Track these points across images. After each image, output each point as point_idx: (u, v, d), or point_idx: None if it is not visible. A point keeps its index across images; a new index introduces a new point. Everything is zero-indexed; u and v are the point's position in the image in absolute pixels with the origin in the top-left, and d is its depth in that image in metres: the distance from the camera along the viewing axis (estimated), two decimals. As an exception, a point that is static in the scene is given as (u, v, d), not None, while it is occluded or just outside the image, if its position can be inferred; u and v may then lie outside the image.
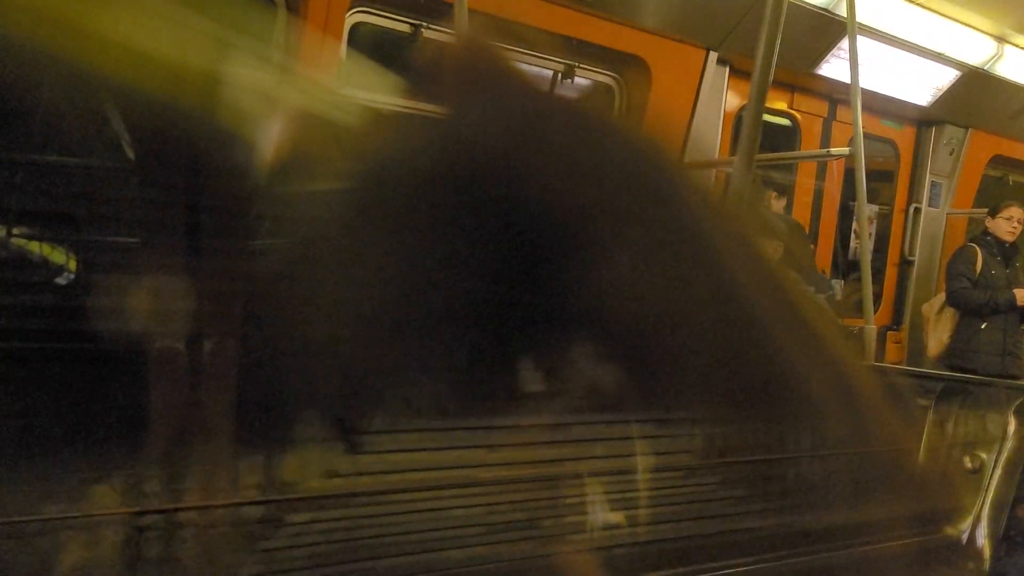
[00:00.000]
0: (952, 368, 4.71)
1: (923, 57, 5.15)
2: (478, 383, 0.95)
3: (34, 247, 0.88)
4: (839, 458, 1.19)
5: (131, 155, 0.88)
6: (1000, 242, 4.92)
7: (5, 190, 0.83)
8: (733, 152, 3.45)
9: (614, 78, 4.37)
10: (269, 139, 0.92)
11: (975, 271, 4.88)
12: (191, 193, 0.86)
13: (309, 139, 0.95)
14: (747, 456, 1.11)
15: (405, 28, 3.69)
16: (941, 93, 5.43)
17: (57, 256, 0.89)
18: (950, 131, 5.74)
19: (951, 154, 5.81)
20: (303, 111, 0.98)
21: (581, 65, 4.16)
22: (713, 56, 4.47)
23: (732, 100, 4.67)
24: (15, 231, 0.87)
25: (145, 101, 0.85)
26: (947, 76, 5.36)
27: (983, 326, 4.84)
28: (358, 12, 3.58)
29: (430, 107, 1.01)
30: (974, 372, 4.45)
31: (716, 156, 4.43)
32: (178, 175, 0.87)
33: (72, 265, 0.90)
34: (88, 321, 0.79)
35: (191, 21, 0.89)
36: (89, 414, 0.81)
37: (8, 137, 0.81)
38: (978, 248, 4.94)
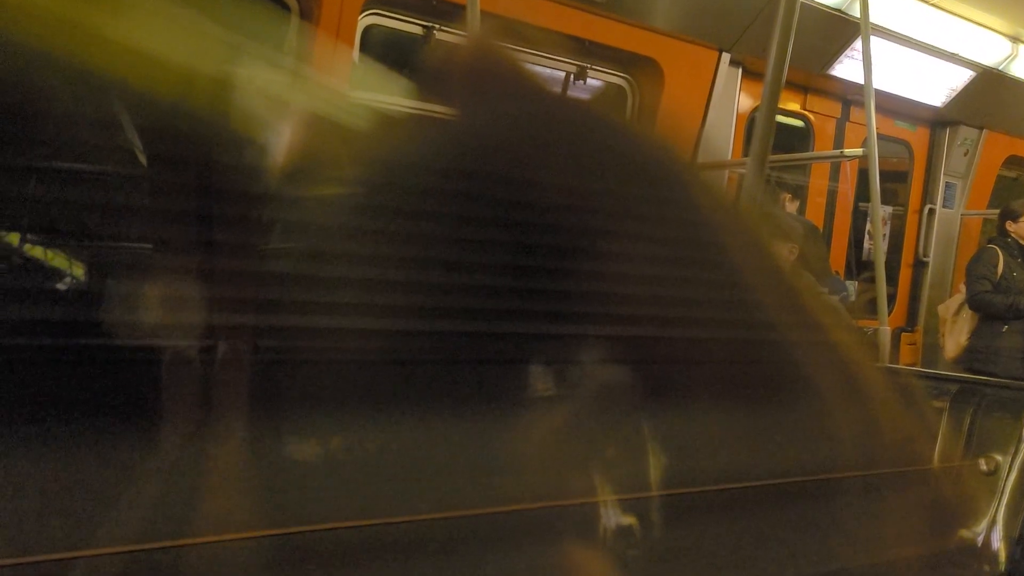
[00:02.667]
0: (971, 371, 4.68)
1: (937, 57, 5.12)
2: (492, 383, 0.95)
3: (47, 253, 0.89)
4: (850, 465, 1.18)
5: (144, 160, 0.89)
6: (1020, 244, 4.90)
7: (16, 200, 0.83)
8: (746, 153, 3.44)
9: (626, 79, 4.37)
10: (284, 143, 0.93)
11: (996, 273, 4.85)
12: (206, 198, 0.87)
13: (325, 143, 0.96)
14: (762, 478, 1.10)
15: (418, 30, 3.71)
16: (955, 94, 5.40)
17: (73, 264, 0.90)
18: (964, 132, 5.71)
19: (965, 155, 5.78)
20: (318, 115, 0.99)
21: (593, 67, 4.16)
22: (726, 57, 4.46)
23: (745, 101, 4.66)
24: (27, 237, 0.88)
25: (158, 105, 0.86)
26: (961, 76, 5.33)
27: (1004, 329, 4.82)
28: (371, 15, 3.59)
29: (443, 109, 1.02)
30: (994, 375, 4.43)
31: (729, 157, 4.43)
32: (192, 180, 0.88)
33: (82, 272, 0.90)
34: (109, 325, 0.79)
35: (203, 25, 0.90)
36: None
37: (18, 142, 0.81)
38: (999, 250, 4.92)
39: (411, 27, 3.71)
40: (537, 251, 0.98)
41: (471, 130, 1.00)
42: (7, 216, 0.84)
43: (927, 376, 2.71)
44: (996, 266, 4.86)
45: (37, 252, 0.88)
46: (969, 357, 4.90)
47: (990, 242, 5.13)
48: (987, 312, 4.85)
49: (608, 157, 1.04)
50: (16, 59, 0.78)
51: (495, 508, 0.93)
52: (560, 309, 0.99)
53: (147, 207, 0.88)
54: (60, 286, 0.89)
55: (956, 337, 4.99)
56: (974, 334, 4.91)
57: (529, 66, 1.04)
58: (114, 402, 0.79)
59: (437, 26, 3.68)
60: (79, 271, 0.90)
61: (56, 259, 0.89)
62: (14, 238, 0.87)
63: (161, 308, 0.81)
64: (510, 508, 0.95)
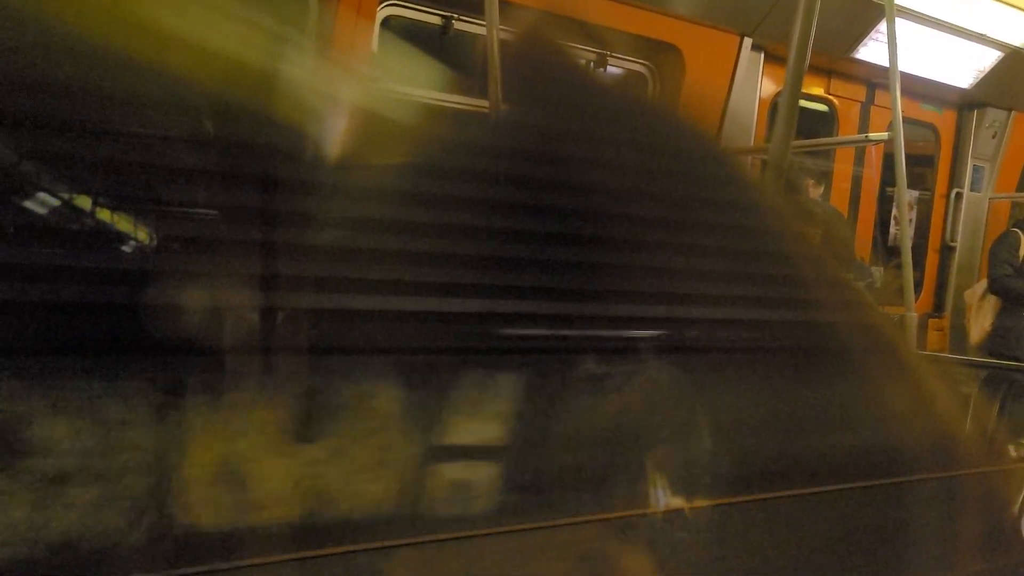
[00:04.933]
0: (994, 355, 4.66)
1: (964, 38, 5.04)
2: (539, 367, 0.95)
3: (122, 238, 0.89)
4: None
5: (171, 143, 0.89)
6: (1044, 228, 4.86)
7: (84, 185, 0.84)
8: (769, 139, 3.41)
9: (647, 66, 4.34)
10: (315, 131, 0.93)
11: (1019, 257, 4.81)
12: (235, 186, 0.87)
13: (361, 132, 0.96)
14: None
15: (436, 20, 3.70)
16: (983, 75, 5.32)
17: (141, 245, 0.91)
18: (992, 114, 5.63)
19: (993, 137, 5.69)
20: (349, 103, 0.99)
21: (613, 54, 4.13)
22: (747, 42, 4.42)
23: (767, 86, 4.62)
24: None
25: (184, 89, 0.87)
26: (989, 57, 5.25)
27: (1025, 313, 4.78)
28: (389, 5, 3.59)
29: (468, 101, 1.02)
30: (1016, 359, 4.39)
31: (752, 143, 4.39)
32: (217, 162, 0.88)
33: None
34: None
35: (228, 9, 0.90)
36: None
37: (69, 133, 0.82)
38: (1021, 233, 4.86)
39: (430, 17, 3.71)
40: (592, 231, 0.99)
41: (534, 120, 1.01)
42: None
43: (956, 362, 2.69)
44: (1019, 250, 4.82)
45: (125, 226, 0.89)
46: (992, 341, 4.86)
47: (1014, 225, 5.09)
48: (1008, 296, 4.82)
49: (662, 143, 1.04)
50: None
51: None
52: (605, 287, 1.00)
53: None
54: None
55: (980, 322, 4.96)
56: (997, 318, 4.87)
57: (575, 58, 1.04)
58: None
59: (456, 16, 3.67)
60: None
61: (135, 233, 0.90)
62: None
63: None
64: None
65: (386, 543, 0.83)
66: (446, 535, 0.86)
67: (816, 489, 1.08)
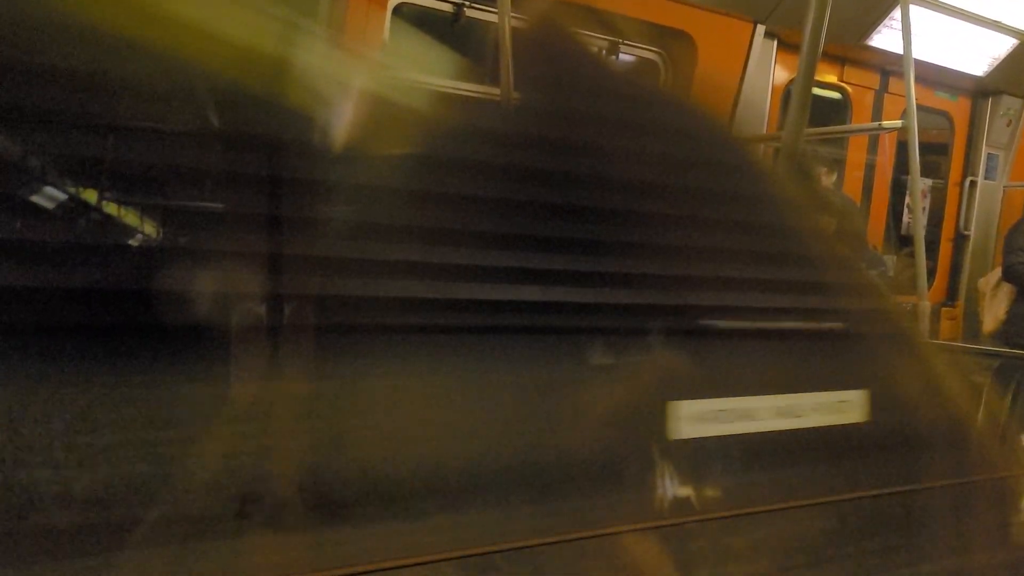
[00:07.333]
0: (1009, 344, 4.63)
1: (978, 25, 5.00)
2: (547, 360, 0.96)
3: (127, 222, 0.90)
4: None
5: (180, 130, 0.89)
6: (1060, 216, 4.82)
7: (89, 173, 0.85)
8: (782, 126, 3.39)
9: (659, 54, 4.32)
10: (326, 118, 0.93)
11: (1034, 244, 4.78)
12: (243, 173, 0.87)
13: (373, 119, 0.96)
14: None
15: (448, 8, 3.69)
16: (998, 62, 5.27)
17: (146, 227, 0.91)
18: (1007, 101, 5.58)
19: (1008, 125, 5.65)
20: (362, 90, 0.99)
21: (625, 42, 4.12)
22: (760, 29, 4.39)
23: (780, 74, 4.60)
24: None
25: (196, 75, 0.87)
26: (1004, 45, 5.20)
27: (1039, 301, 4.75)
28: (401, -7, 3.59)
29: (480, 89, 1.02)
30: (1029, 348, 4.37)
31: (764, 131, 4.37)
32: (224, 149, 0.88)
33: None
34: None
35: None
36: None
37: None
38: (1038, 221, 4.84)
39: (442, 5, 3.70)
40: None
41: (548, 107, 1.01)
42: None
43: (968, 351, 2.68)
44: None
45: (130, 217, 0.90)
46: (1005, 330, 4.83)
47: (1030, 213, 5.07)
48: (1021, 283, 4.78)
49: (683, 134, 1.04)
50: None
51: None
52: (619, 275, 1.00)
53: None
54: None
55: (994, 311, 4.92)
56: (1011, 306, 4.84)
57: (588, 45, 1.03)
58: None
59: (467, 4, 3.66)
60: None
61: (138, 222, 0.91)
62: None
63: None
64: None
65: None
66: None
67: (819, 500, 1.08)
